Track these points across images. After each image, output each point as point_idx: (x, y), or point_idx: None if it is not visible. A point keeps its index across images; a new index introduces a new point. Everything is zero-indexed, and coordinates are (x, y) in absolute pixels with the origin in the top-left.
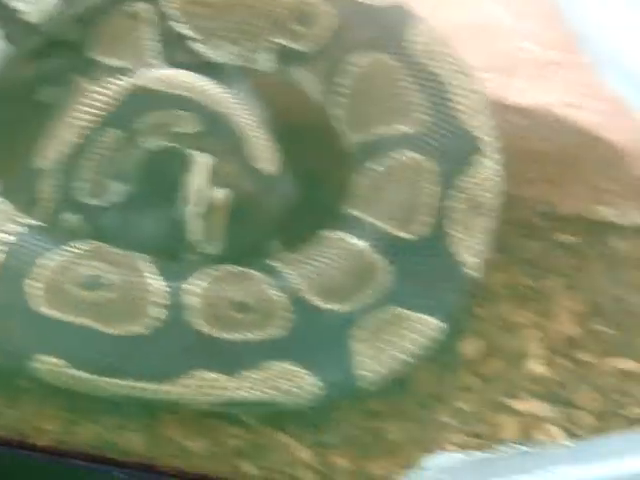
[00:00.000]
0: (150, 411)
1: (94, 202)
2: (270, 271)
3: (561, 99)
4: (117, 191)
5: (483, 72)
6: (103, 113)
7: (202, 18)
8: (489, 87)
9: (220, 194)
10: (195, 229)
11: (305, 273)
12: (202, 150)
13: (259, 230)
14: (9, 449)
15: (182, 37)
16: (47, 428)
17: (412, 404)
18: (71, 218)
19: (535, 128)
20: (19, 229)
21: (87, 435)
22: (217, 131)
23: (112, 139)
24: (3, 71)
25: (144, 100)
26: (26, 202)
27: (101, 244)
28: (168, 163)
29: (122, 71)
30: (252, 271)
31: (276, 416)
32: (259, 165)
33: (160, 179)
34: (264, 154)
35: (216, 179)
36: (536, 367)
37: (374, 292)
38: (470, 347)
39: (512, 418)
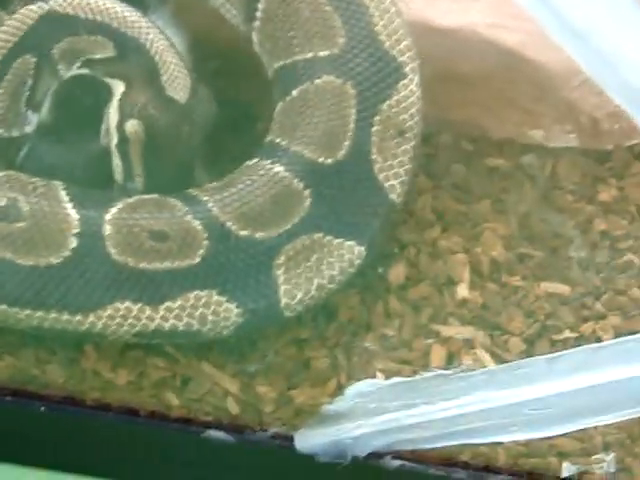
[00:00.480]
0: (72, 344)
1: (8, 133)
2: (188, 199)
3: (485, 19)
4: (32, 121)
5: None
6: (15, 39)
7: None
8: (412, 9)
9: (131, 126)
10: (115, 165)
11: (224, 200)
12: (116, 77)
13: (179, 161)
14: None
15: None
16: None
17: (338, 331)
18: None
19: (460, 50)
20: None
21: (8, 369)
22: (131, 57)
23: (26, 65)
24: None
25: (58, 25)
26: None
27: (16, 173)
28: (84, 92)
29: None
30: (169, 199)
31: (200, 346)
32: (173, 94)
33: (76, 109)
34: (179, 82)
35: (128, 109)
36: (465, 292)
37: (294, 218)
38: (397, 273)
39: (440, 344)
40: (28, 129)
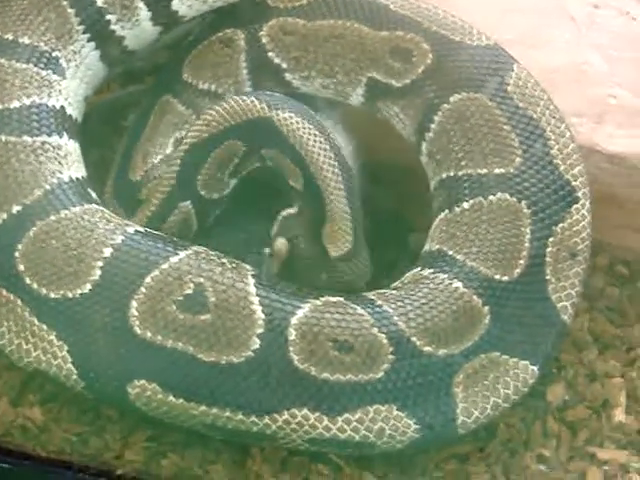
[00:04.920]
0: (238, 446)
1: (209, 196)
2: (369, 304)
3: None
4: (230, 185)
5: (573, 117)
6: (232, 123)
7: (295, 49)
8: (579, 132)
9: (279, 244)
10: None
11: (409, 314)
12: (294, 202)
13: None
14: (91, 478)
15: (273, 66)
16: (131, 458)
17: (497, 448)
18: (186, 206)
19: (624, 175)
20: (118, 239)
21: (171, 467)
22: (312, 196)
23: (236, 148)
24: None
25: (273, 134)
26: (126, 210)
27: (205, 250)
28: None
29: (212, 95)
30: (353, 304)
31: (363, 456)
32: (327, 246)
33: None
34: (337, 241)
35: (286, 230)
36: (621, 416)
37: (475, 336)
38: (556, 393)
39: (596, 467)
40: (226, 192)
